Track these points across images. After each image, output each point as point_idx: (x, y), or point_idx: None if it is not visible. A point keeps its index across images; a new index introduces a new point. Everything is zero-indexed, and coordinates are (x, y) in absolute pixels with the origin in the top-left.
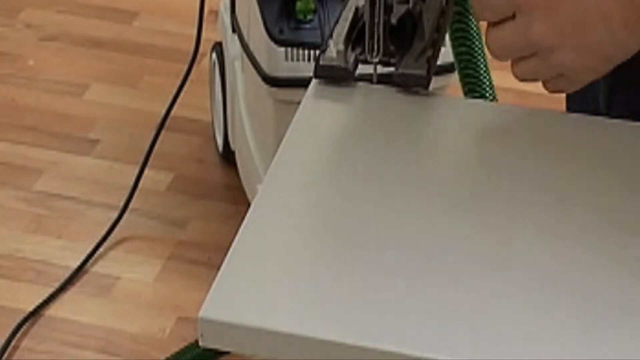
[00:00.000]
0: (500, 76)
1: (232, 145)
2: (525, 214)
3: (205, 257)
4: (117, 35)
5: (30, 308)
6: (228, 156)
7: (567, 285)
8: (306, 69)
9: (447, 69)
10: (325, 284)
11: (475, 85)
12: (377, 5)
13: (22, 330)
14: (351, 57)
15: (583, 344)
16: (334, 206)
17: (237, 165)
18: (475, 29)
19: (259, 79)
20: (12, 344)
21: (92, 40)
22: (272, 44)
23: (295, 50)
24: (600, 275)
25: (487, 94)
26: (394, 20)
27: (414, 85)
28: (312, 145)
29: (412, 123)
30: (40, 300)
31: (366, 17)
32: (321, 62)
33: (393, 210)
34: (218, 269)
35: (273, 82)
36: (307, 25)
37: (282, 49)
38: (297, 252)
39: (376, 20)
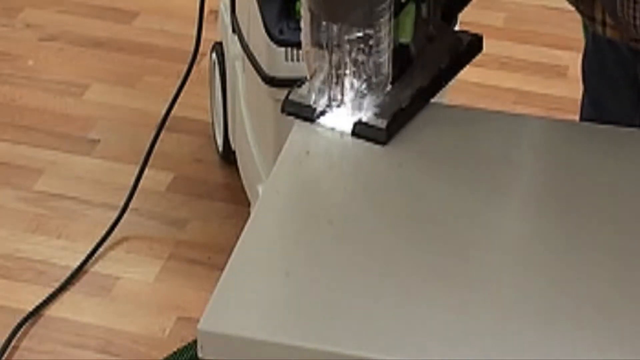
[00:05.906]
0: (501, 76)
1: (232, 145)
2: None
3: (205, 257)
4: (117, 35)
5: (30, 308)
6: (228, 156)
7: (577, 292)
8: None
9: None
10: (323, 297)
11: None
12: (343, 62)
13: (22, 330)
14: (324, 97)
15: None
16: (332, 220)
17: (237, 165)
18: None
19: (259, 79)
20: (12, 344)
21: (92, 40)
22: (272, 44)
23: (295, 50)
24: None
25: None
26: (365, 75)
27: (371, 139)
28: (310, 159)
29: (409, 131)
30: (40, 300)
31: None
32: (290, 97)
33: (390, 218)
34: (218, 269)
35: (273, 82)
36: None
37: (282, 49)
38: (295, 266)
39: (344, 71)
